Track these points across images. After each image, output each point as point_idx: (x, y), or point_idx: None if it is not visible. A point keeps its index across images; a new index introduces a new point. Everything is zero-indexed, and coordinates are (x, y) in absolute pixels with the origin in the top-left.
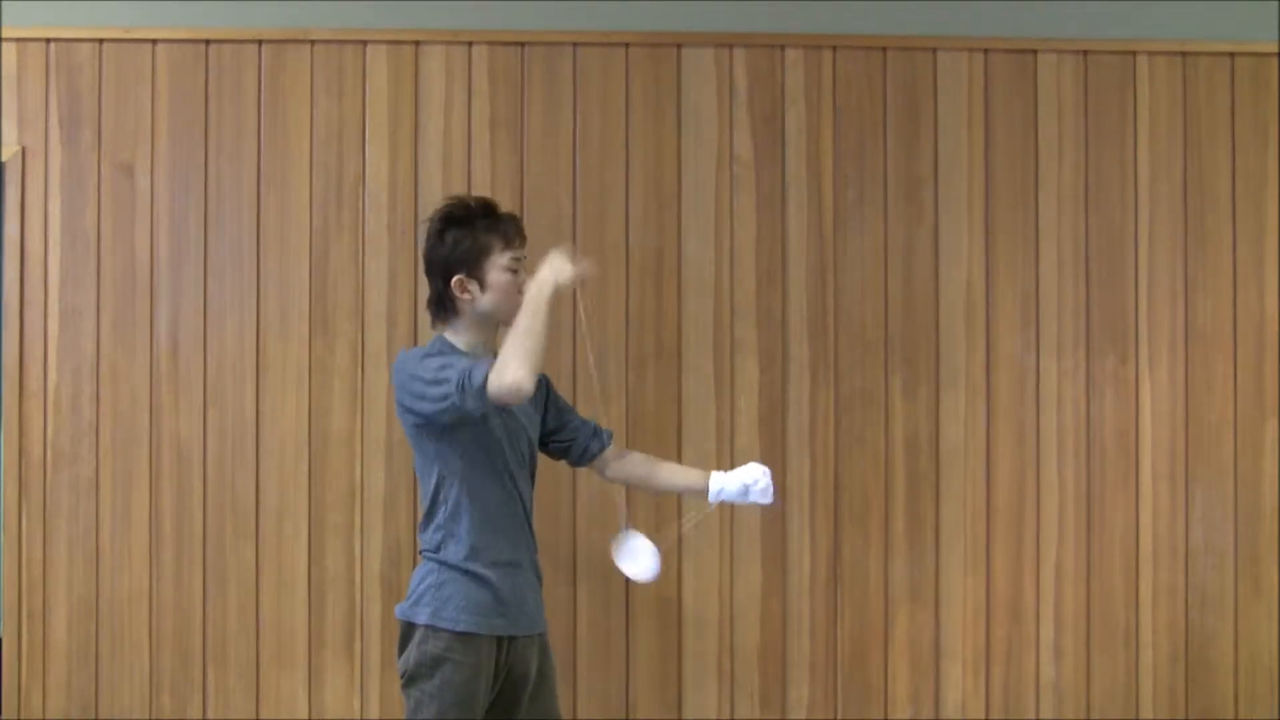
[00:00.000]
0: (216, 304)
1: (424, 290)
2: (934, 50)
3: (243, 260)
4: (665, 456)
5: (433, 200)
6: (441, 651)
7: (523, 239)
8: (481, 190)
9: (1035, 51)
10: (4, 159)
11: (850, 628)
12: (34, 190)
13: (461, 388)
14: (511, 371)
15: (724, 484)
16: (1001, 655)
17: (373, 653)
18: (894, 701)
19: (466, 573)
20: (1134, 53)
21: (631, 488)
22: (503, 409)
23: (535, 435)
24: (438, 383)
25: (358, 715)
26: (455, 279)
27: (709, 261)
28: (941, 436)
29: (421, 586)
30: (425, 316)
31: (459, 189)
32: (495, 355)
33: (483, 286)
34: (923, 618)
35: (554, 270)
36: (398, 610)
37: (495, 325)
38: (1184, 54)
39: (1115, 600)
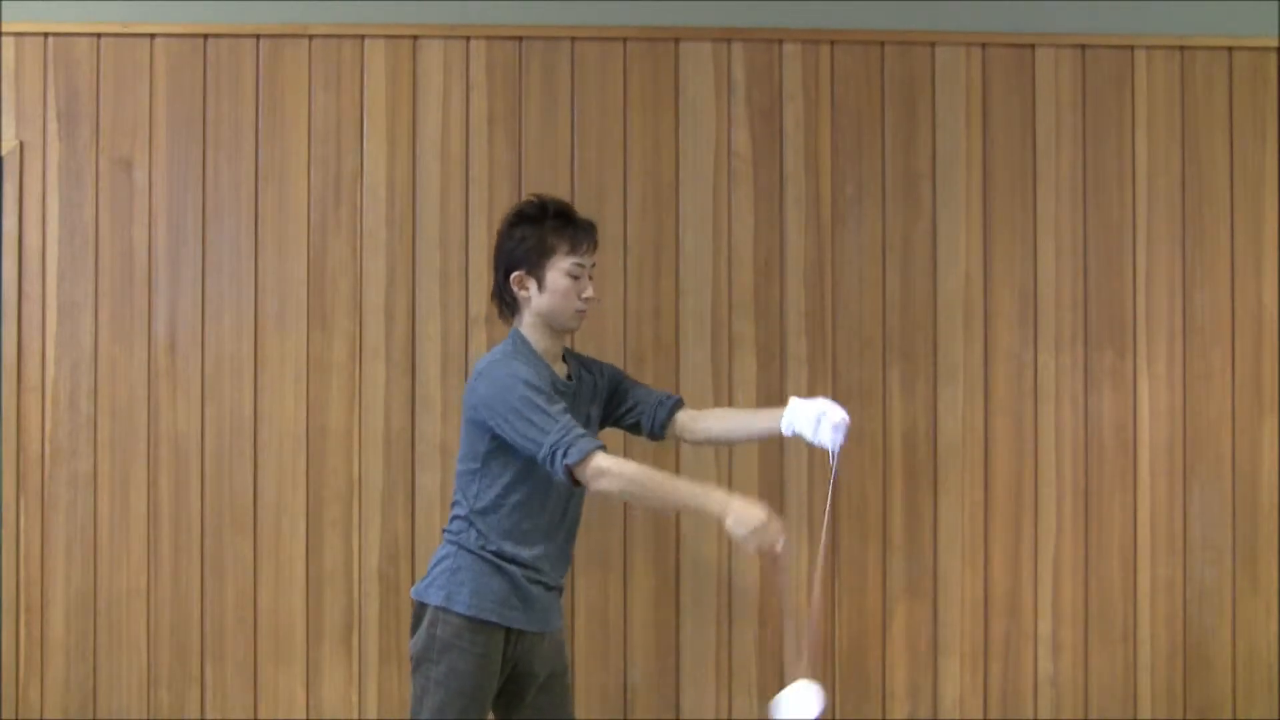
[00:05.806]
0: (214, 299)
1: (422, 285)
2: (932, 45)
3: (241, 255)
4: (663, 453)
5: (431, 195)
6: (450, 637)
7: (592, 247)
8: (479, 184)
9: (1033, 46)
10: (2, 154)
11: (848, 623)
12: (32, 185)
13: (553, 454)
14: (607, 482)
15: (796, 413)
16: (999, 650)
17: (370, 648)
18: (892, 697)
19: (485, 560)
20: (1132, 47)
21: (717, 446)
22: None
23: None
24: (532, 426)
25: (355, 710)
26: (515, 275)
27: (707, 256)
28: (939, 431)
29: (438, 569)
30: (423, 312)
31: (457, 183)
32: (563, 359)
33: (541, 286)
34: (920, 613)
35: (736, 519)
36: (413, 590)
37: (559, 334)
38: (1182, 49)
39: (1113, 595)
